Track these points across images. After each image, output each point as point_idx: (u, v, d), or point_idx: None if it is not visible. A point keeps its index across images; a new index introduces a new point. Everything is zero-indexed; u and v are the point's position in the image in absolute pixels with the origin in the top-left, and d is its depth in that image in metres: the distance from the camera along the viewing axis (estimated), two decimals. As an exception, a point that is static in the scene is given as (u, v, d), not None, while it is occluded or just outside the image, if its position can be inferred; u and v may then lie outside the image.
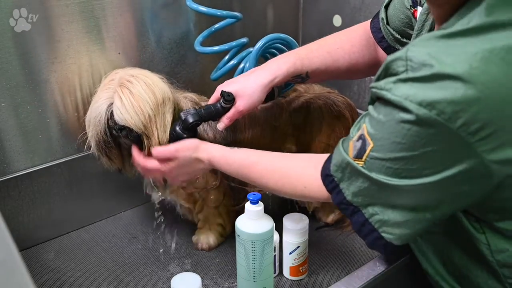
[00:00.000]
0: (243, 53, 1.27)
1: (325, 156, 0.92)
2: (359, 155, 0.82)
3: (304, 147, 1.23)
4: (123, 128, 1.06)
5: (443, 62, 0.72)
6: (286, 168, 0.98)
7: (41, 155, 1.24)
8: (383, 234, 0.83)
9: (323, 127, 1.22)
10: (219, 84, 1.12)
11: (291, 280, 1.15)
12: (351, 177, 0.84)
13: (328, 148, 1.21)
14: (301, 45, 1.20)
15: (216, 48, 1.29)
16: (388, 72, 0.79)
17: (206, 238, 1.25)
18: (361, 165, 0.81)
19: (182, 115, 1.08)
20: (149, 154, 1.08)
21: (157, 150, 1.07)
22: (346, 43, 1.15)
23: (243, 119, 1.17)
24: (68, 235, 1.32)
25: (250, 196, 1.01)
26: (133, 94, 1.06)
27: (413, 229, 0.83)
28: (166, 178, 1.13)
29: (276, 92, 1.18)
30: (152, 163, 1.08)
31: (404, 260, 1.07)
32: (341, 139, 0.91)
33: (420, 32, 0.98)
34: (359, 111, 1.53)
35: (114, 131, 1.08)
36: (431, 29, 0.94)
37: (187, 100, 1.18)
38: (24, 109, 1.19)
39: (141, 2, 1.30)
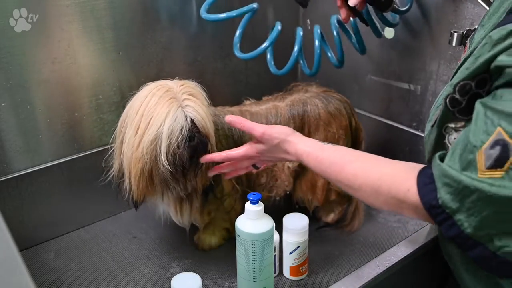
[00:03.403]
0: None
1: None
2: (497, 165, 0.69)
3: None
4: (193, 137, 1.03)
5: None
6: (385, 173, 0.85)
7: (41, 155, 1.24)
8: None
9: (320, 126, 1.22)
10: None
11: (291, 280, 1.15)
12: (475, 206, 0.71)
13: None
14: None
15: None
16: None
17: (208, 239, 1.25)
18: (498, 176, 0.69)
19: None
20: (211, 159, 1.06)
21: (247, 123, 1.03)
22: None
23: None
24: (68, 235, 1.32)
25: (250, 196, 1.00)
26: (201, 101, 1.06)
27: None
28: (255, 164, 1.09)
29: None
30: (241, 151, 1.05)
31: (403, 260, 1.07)
32: (437, 156, 0.79)
33: None
34: (359, 111, 1.53)
35: (185, 142, 1.03)
36: None
37: None
38: (24, 109, 1.19)
39: (141, 2, 1.30)
